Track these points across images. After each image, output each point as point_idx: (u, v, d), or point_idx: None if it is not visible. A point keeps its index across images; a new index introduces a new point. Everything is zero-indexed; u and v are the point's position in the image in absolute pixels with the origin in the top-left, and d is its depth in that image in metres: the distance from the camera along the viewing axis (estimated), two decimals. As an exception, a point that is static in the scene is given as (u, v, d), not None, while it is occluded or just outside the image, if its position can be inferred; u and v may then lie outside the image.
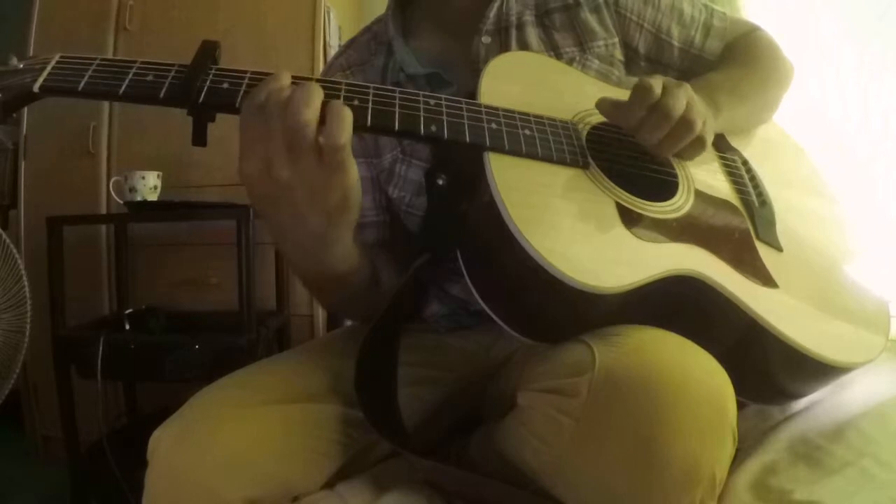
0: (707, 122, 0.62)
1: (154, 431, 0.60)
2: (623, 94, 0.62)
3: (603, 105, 0.63)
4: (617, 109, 0.62)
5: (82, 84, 0.53)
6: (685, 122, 0.60)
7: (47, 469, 1.71)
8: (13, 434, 1.82)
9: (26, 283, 1.39)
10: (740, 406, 0.50)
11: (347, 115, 0.50)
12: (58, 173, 1.73)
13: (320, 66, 1.62)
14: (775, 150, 0.81)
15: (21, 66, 0.55)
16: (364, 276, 0.70)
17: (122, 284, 1.69)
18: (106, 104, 1.71)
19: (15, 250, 1.38)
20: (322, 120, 0.50)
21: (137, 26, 1.71)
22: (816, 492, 0.52)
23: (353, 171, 0.53)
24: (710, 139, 0.63)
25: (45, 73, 0.53)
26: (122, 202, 1.52)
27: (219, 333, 1.38)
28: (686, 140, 0.61)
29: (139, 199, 1.49)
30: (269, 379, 0.67)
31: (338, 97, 0.55)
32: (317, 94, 0.50)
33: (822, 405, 0.67)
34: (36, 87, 0.53)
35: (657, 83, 0.60)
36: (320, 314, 1.69)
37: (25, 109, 1.72)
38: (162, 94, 0.53)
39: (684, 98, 0.60)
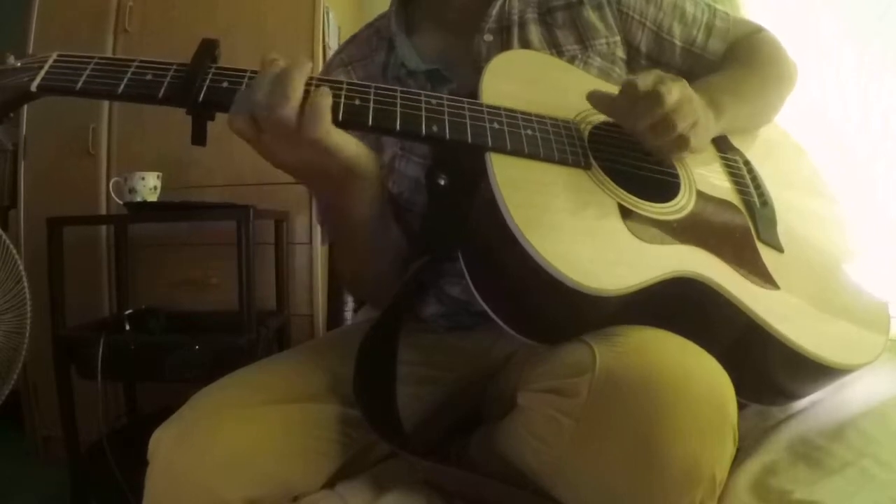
0: (699, 123, 0.61)
1: (154, 432, 0.60)
2: None
3: (595, 98, 0.63)
4: (608, 101, 0.62)
5: (80, 83, 0.53)
6: (677, 111, 0.58)
7: (47, 469, 1.71)
8: (13, 434, 1.82)
9: (26, 283, 1.39)
10: (740, 406, 0.50)
11: (322, 107, 0.52)
12: (57, 174, 1.73)
13: (320, 67, 1.62)
14: (776, 151, 0.81)
15: (19, 64, 0.54)
16: (384, 226, 0.71)
17: (122, 285, 1.68)
18: (105, 104, 1.71)
19: (15, 251, 1.38)
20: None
21: (137, 27, 1.71)
22: (816, 492, 0.52)
23: (347, 149, 0.56)
24: (695, 140, 0.61)
25: (42, 72, 0.53)
26: (121, 203, 1.52)
27: (219, 333, 1.38)
28: (676, 130, 0.59)
29: (139, 199, 1.49)
30: (269, 379, 0.67)
31: (339, 97, 0.55)
32: (296, 89, 0.52)
33: (822, 405, 0.67)
34: (33, 87, 0.53)
35: (650, 75, 0.60)
36: (320, 314, 1.69)
37: (25, 110, 1.71)
38: (161, 94, 0.53)
39: (678, 91, 0.59)
